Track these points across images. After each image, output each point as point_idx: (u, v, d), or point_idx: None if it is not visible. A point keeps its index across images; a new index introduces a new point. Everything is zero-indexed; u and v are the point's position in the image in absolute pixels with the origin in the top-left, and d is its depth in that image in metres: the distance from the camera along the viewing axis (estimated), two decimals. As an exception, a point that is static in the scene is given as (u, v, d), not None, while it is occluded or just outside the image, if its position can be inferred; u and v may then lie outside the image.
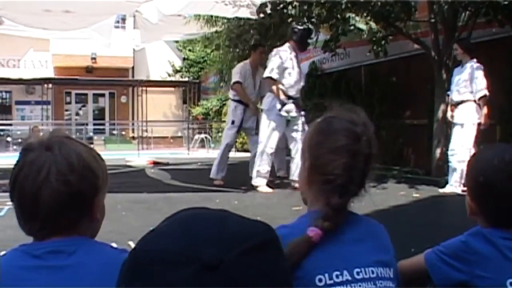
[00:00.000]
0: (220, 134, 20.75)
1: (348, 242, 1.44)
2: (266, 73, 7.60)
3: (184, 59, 26.62)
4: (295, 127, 7.70)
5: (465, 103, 7.36)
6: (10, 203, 1.37)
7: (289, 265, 0.75)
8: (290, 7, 8.00)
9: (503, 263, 1.49)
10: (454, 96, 7.51)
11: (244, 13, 8.92)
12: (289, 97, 7.69)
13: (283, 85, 7.62)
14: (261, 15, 8.41)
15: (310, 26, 8.89)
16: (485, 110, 7.26)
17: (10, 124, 23.39)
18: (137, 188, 8.14)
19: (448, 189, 7.17)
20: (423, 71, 9.87)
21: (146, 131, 24.50)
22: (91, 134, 24.90)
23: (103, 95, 27.61)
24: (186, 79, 26.42)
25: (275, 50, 7.74)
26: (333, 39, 10.12)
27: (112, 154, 18.23)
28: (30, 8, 9.09)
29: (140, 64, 27.03)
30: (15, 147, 19.79)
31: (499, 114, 8.81)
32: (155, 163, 13.16)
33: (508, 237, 1.52)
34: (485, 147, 1.83)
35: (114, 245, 1.52)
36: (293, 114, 7.65)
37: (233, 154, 15.22)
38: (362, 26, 9.22)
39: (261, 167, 7.71)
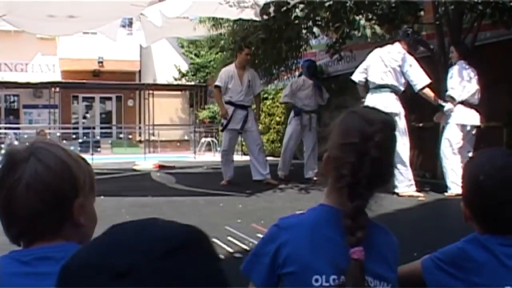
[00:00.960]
0: (226, 137, 20.81)
1: None
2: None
3: (191, 63, 26.66)
4: None
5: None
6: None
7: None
8: (296, 9, 7.95)
9: (500, 270, 1.47)
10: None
11: (249, 14, 8.91)
12: None
13: None
14: (265, 16, 8.38)
15: (316, 28, 8.93)
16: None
17: (18, 128, 23.44)
18: (142, 192, 8.12)
19: (449, 192, 7.09)
20: (429, 73, 9.80)
21: (153, 134, 24.53)
22: (98, 137, 24.94)
23: (110, 98, 27.69)
24: (193, 83, 26.45)
25: None
26: (338, 41, 10.10)
27: (119, 158, 18.32)
28: (33, 14, 9.10)
29: (147, 68, 27.10)
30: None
31: (506, 117, 8.76)
32: (161, 167, 13.14)
33: (505, 244, 1.50)
34: (479, 152, 1.80)
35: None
36: None
37: (239, 157, 15.24)
38: (367, 31, 9.19)
39: None
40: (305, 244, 1.43)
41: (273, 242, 1.47)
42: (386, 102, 7.34)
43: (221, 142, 20.66)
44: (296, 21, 8.26)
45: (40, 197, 1.31)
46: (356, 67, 12.02)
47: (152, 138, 24.28)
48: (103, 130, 26.42)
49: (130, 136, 25.63)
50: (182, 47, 26.54)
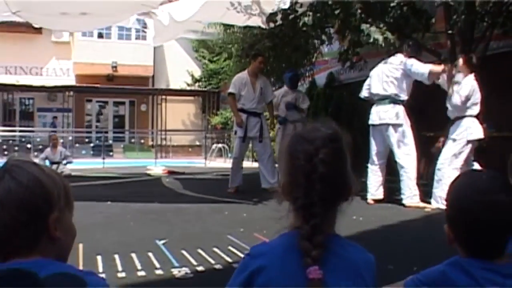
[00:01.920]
0: (238, 144, 20.81)
1: (326, 271, 1.40)
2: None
3: (204, 69, 26.75)
4: None
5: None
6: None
7: None
8: (305, 18, 7.93)
9: None
10: None
11: (256, 21, 8.91)
12: None
13: None
14: (272, 24, 8.38)
15: (324, 37, 8.91)
16: None
17: (32, 131, 23.61)
18: (149, 198, 8.12)
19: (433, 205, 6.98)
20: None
21: (165, 139, 24.59)
22: (110, 141, 25.08)
23: (123, 103, 27.86)
24: (205, 88, 26.52)
25: None
26: (349, 49, 10.07)
27: (131, 163, 18.40)
28: (46, 11, 9.16)
29: (160, 73, 27.23)
30: (35, 153, 19.98)
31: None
32: (171, 173, 13.15)
33: (487, 268, 1.47)
34: (463, 174, 1.77)
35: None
36: None
37: (249, 164, 15.22)
38: (378, 36, 9.13)
39: None
40: (277, 270, 1.42)
41: (245, 271, 1.47)
42: (389, 114, 7.33)
43: (233, 148, 20.73)
44: (304, 29, 8.22)
45: (13, 214, 1.31)
46: (368, 75, 12.03)
47: (164, 143, 24.34)
48: (116, 134, 26.54)
49: (142, 141, 25.73)
50: (196, 51, 26.62)
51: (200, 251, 4.60)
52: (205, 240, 5.02)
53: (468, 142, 6.97)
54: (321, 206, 1.41)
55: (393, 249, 4.78)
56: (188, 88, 26.94)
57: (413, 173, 7.24)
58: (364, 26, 8.62)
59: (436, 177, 7.09)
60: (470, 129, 6.99)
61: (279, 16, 8.31)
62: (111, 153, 23.20)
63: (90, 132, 25.39)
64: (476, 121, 7.03)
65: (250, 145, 10.09)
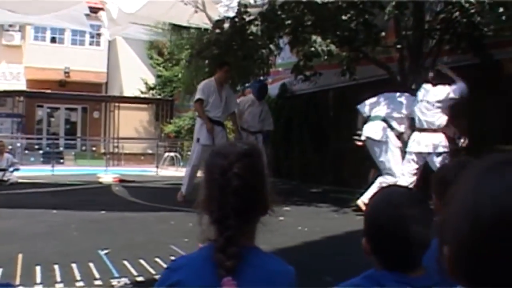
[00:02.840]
0: (190, 152, 20.66)
1: (241, 282, 1.43)
2: None
3: (158, 76, 26.57)
4: None
5: None
6: None
7: None
8: (253, 26, 7.93)
9: None
10: None
11: (201, 20, 8.85)
12: None
13: None
14: (217, 30, 8.37)
15: (273, 47, 8.97)
16: None
17: (-21, 137, 22.96)
18: (96, 207, 8.00)
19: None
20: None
21: (117, 147, 24.28)
22: (61, 149, 24.60)
23: (75, 109, 27.39)
24: (159, 96, 26.34)
25: None
26: (301, 62, 10.17)
27: (82, 170, 18.08)
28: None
29: (113, 80, 26.93)
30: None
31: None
32: (121, 181, 12.99)
33: (400, 281, 1.50)
34: (380, 189, 1.82)
35: None
36: None
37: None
38: (329, 48, 9.23)
39: None
40: (194, 283, 1.45)
41: (164, 284, 1.50)
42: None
43: (185, 157, 20.53)
44: (251, 37, 8.24)
45: None
46: (320, 86, 12.14)
47: (116, 151, 24.03)
48: (67, 141, 26.06)
49: (94, 148, 25.33)
50: (151, 58, 26.44)
51: (141, 261, 4.54)
52: (148, 250, 4.96)
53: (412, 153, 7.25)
54: (235, 219, 1.44)
55: (333, 260, 4.82)
56: (142, 95, 26.69)
57: (397, 173, 7.67)
58: (314, 39, 8.72)
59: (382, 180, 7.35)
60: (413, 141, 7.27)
61: (226, 24, 8.32)
62: (61, 161, 22.74)
63: (41, 139, 24.84)
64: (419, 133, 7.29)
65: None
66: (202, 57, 9.18)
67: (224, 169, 1.48)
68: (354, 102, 12.10)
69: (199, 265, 1.49)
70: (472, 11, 7.25)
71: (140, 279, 4.05)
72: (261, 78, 11.73)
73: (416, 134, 7.39)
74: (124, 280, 3.99)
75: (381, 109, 7.88)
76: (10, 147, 17.14)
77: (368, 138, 7.82)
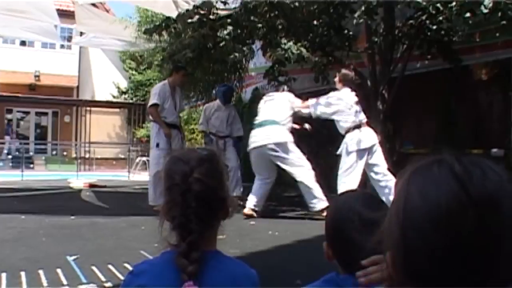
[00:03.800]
0: (163, 157, 20.55)
1: (203, 286, 1.44)
2: None
3: (130, 81, 26.40)
4: None
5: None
6: None
7: None
8: (224, 30, 7.92)
9: None
10: None
11: (168, 9, 8.73)
12: None
13: None
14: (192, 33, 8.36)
15: (246, 50, 8.97)
16: None
17: None
18: (66, 212, 7.88)
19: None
20: (361, 100, 9.96)
21: (89, 152, 24.05)
22: (31, 153, 24.29)
23: (46, 113, 27.07)
24: (131, 100, 26.17)
25: None
26: (274, 66, 10.18)
27: (52, 175, 17.86)
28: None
29: (85, 84, 26.69)
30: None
31: (432, 144, 8.97)
32: (92, 186, 12.85)
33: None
34: (341, 194, 1.85)
35: None
36: None
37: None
38: (303, 52, 9.25)
39: None
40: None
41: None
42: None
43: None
44: (223, 42, 8.22)
45: None
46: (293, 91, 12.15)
47: (87, 155, 23.80)
48: (38, 146, 25.74)
49: (65, 153, 25.07)
50: (123, 62, 26.27)
51: (110, 267, 4.48)
52: (117, 255, 4.91)
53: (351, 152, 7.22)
54: (197, 223, 1.46)
55: (304, 264, 4.81)
56: (114, 100, 26.49)
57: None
58: (286, 43, 8.72)
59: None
60: (351, 140, 7.23)
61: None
62: (31, 165, 22.46)
63: (10, 143, 24.46)
64: (357, 131, 7.20)
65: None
66: (174, 61, 9.11)
67: (186, 174, 1.49)
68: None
69: (162, 270, 1.49)
70: (441, 17, 7.34)
71: (108, 284, 3.99)
72: (225, 82, 11.70)
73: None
74: (92, 286, 3.94)
75: None
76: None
77: None
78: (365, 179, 7.36)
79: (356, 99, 7.45)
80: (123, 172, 19.80)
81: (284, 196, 10.82)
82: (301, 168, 7.60)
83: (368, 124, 7.38)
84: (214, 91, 12.43)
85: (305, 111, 7.78)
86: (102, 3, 23.49)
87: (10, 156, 22.31)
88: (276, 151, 7.55)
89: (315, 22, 8.99)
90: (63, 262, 4.67)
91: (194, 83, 11.40)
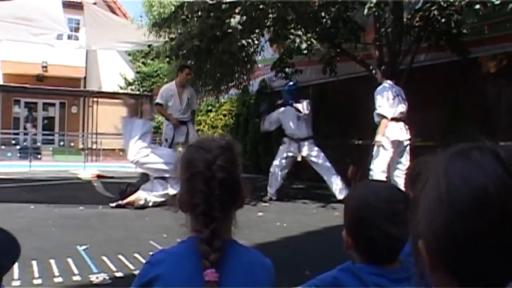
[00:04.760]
0: (169, 148, 20.54)
1: (222, 274, 1.45)
2: None
3: (137, 72, 26.38)
4: None
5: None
6: None
7: None
8: (232, 19, 7.89)
9: None
10: None
11: None
12: None
13: None
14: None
15: (256, 41, 8.95)
16: (380, 129, 7.36)
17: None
18: (74, 202, 7.94)
19: None
20: (369, 92, 9.95)
21: (96, 143, 24.08)
22: (39, 144, 24.35)
23: (53, 104, 27.11)
24: (138, 91, 26.16)
25: None
26: (282, 58, 10.19)
27: (60, 166, 17.91)
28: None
29: (92, 75, 26.70)
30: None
31: (440, 136, 8.96)
32: (99, 177, 12.90)
33: (376, 273, 1.55)
34: (361, 183, 1.86)
35: None
36: None
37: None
38: (313, 42, 9.22)
39: None
40: (176, 277, 1.47)
41: (145, 278, 1.52)
42: None
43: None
44: (230, 30, 8.20)
45: None
46: (300, 83, 12.16)
47: (94, 146, 23.84)
48: (45, 137, 25.81)
49: (72, 144, 25.13)
50: (129, 54, 26.25)
51: (120, 256, 4.53)
52: (127, 245, 4.95)
53: (391, 142, 7.29)
54: (221, 211, 1.47)
55: (312, 255, 4.84)
56: (121, 90, 26.50)
57: None
58: (296, 35, 8.72)
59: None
60: (392, 130, 7.31)
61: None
62: (39, 156, 22.53)
63: (18, 134, 24.56)
64: (392, 124, 7.24)
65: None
66: (183, 53, 9.13)
67: (209, 162, 1.50)
68: (334, 98, 12.20)
69: (179, 259, 1.50)
70: (451, 9, 7.32)
71: (119, 274, 4.03)
72: (236, 75, 11.70)
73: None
74: (103, 276, 3.98)
75: None
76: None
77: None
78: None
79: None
80: (130, 163, 19.81)
81: (291, 188, 10.85)
82: None
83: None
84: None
85: None
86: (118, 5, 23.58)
87: (18, 147, 22.35)
88: None
89: (323, 14, 8.97)
90: (73, 251, 4.71)
91: (202, 75, 11.37)
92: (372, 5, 7.32)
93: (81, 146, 24.79)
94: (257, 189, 9.86)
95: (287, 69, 10.63)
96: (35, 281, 3.85)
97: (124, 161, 21.13)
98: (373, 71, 8.40)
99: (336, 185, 8.78)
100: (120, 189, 8.22)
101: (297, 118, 9.29)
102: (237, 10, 8.01)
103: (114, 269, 4.17)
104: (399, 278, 1.54)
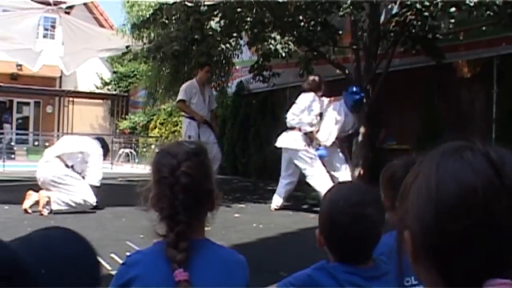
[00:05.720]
0: (146, 149, 20.42)
1: (194, 273, 1.50)
2: None
3: (113, 72, 26.21)
4: None
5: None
6: None
7: None
8: (212, 22, 7.94)
9: None
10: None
11: None
12: None
13: None
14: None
15: (233, 43, 8.98)
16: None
17: None
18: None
19: None
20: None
21: (71, 143, 23.86)
22: (13, 143, 24.07)
23: (28, 103, 26.82)
24: (115, 92, 26.01)
25: None
26: (259, 61, 10.24)
27: (35, 166, 17.62)
28: None
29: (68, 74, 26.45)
30: None
31: (415, 140, 9.08)
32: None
33: (350, 272, 1.60)
34: (337, 185, 1.92)
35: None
36: None
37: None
38: (291, 46, 9.30)
39: None
40: (153, 278, 1.52)
41: (121, 279, 1.57)
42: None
43: (140, 153, 20.33)
44: (210, 33, 8.24)
45: None
46: (277, 85, 12.16)
47: (70, 146, 23.61)
48: (19, 136, 25.52)
49: (47, 144, 24.84)
50: (107, 54, 26.09)
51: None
52: (103, 246, 4.92)
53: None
54: (185, 214, 1.52)
55: (288, 256, 4.88)
56: (97, 90, 26.32)
57: None
58: (274, 36, 8.78)
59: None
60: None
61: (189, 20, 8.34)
62: (12, 156, 22.26)
63: (-9, 133, 24.24)
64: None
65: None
66: (162, 54, 9.13)
67: (173, 167, 1.55)
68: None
69: (154, 260, 1.55)
70: (426, 14, 7.42)
71: (95, 275, 4.02)
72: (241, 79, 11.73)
73: None
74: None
75: None
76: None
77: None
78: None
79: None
80: (105, 164, 19.65)
81: (267, 189, 10.87)
82: None
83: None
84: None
85: None
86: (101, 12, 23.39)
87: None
88: None
89: (300, 17, 9.04)
90: (50, 252, 4.67)
91: (180, 77, 11.38)
92: (347, 5, 7.40)
93: (56, 146, 24.54)
94: (234, 191, 9.89)
95: (264, 72, 10.68)
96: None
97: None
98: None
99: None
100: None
101: None
102: (215, 13, 8.04)
103: (90, 269, 4.15)
104: (373, 276, 1.60)
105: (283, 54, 8.94)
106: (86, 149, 7.47)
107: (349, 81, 9.30)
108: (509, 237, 0.74)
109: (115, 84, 26.16)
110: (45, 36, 25.58)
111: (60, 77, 26.45)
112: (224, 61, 11.70)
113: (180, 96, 9.12)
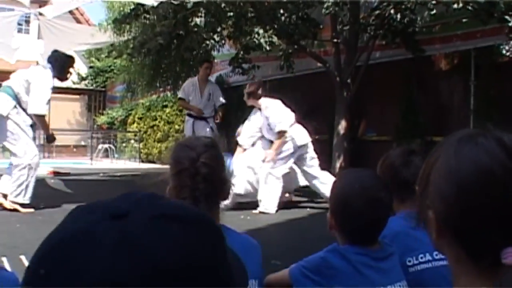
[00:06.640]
0: (124, 144, 20.33)
1: None
2: None
3: (90, 67, 25.98)
4: None
5: None
6: None
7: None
8: (196, 18, 7.99)
9: (355, 276, 1.67)
10: None
11: None
12: None
13: None
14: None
15: (217, 38, 9.03)
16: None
17: None
18: (35, 200, 7.84)
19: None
20: (326, 88, 10.15)
21: (49, 139, 23.61)
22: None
23: (3, 100, 26.46)
24: (92, 87, 25.79)
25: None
26: (239, 54, 10.29)
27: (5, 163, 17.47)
28: None
29: (43, 69, 26.16)
30: None
31: (395, 132, 9.23)
32: (56, 173, 12.74)
33: (361, 253, 1.71)
34: (348, 171, 2.03)
35: None
36: None
37: (137, 165, 15.01)
38: (274, 39, 9.40)
39: None
40: None
41: None
42: None
43: (120, 149, 20.18)
44: (195, 29, 8.29)
45: None
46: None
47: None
48: (-6, 133, 25.18)
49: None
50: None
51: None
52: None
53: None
54: (206, 203, 1.64)
55: (278, 246, 4.99)
56: (74, 86, 26.06)
57: None
58: (257, 30, 8.86)
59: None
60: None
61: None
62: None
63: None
64: None
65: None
66: (146, 49, 9.15)
67: (193, 159, 1.66)
68: (291, 94, 12.34)
69: None
70: (404, 6, 7.55)
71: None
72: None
73: None
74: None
75: None
76: None
77: None
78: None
79: None
80: (85, 159, 19.61)
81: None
82: None
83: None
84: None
85: None
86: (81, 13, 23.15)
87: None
88: None
89: (281, 11, 9.12)
90: (42, 247, 4.70)
91: (161, 71, 11.38)
92: (330, 3, 7.51)
93: (32, 142, 24.27)
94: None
95: (243, 65, 10.74)
96: (8, 277, 3.86)
97: (79, 158, 20.94)
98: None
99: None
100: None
101: None
102: (200, 9, 8.10)
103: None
104: (381, 257, 1.72)
105: (267, 48, 9.03)
106: (28, 77, 7.31)
107: (329, 74, 9.44)
108: None
109: (92, 79, 25.92)
110: (19, 31, 25.24)
111: (36, 72, 26.15)
112: (203, 54, 11.72)
113: (179, 95, 9.56)
